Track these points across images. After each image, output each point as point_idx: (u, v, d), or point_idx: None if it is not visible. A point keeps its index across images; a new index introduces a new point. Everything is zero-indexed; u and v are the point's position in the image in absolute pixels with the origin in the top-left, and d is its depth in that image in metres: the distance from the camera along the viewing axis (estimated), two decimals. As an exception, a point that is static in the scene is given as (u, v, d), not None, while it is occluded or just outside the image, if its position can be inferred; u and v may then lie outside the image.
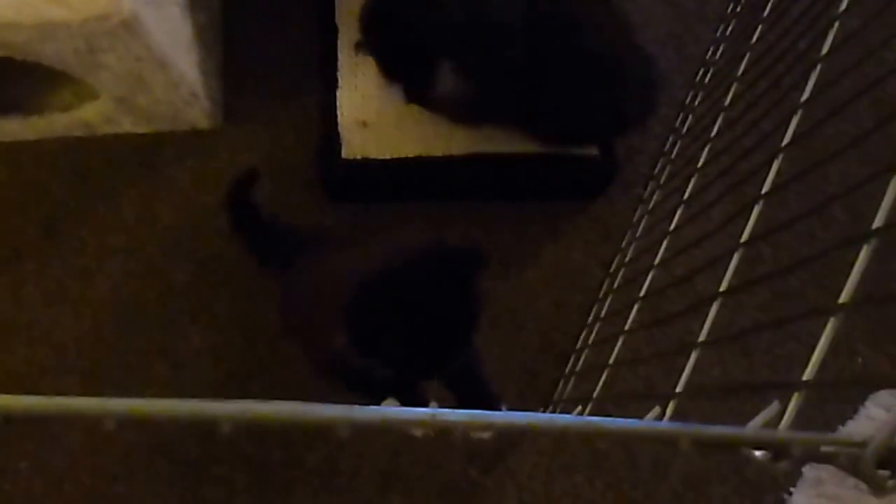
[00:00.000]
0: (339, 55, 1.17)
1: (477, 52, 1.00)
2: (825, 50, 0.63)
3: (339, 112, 1.16)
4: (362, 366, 0.76)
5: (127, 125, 1.21)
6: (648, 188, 1.21)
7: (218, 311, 1.16)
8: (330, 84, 1.17)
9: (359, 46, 1.06)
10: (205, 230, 1.20)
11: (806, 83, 0.63)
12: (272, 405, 0.33)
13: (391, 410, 0.34)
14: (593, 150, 1.16)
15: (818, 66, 0.63)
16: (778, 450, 0.33)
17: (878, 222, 0.41)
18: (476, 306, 0.76)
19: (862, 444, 0.31)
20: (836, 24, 0.64)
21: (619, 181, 1.23)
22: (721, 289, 0.59)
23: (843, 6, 0.63)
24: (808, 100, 0.64)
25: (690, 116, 1.16)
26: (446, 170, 1.13)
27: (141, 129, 1.23)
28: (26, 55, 0.97)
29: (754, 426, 0.36)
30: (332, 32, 1.18)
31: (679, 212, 0.90)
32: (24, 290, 1.17)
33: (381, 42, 1.05)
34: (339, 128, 1.15)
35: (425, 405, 0.48)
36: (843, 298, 0.42)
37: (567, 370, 1.09)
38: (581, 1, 1.05)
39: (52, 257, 1.19)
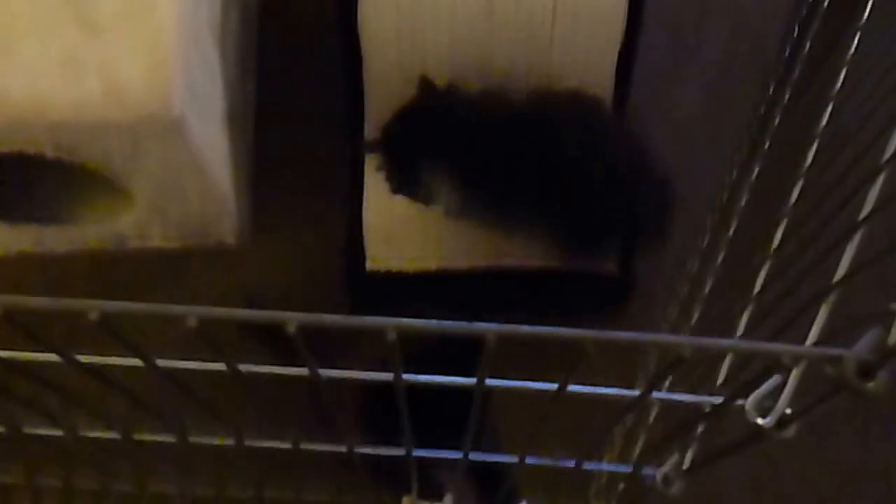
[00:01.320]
0: (366, 171, 1.22)
1: (475, 158, 1.05)
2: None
3: (364, 226, 1.19)
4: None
5: (157, 239, 1.24)
6: (669, 309, 1.23)
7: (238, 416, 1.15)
8: (356, 199, 1.21)
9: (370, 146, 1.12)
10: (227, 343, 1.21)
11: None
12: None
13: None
14: (612, 268, 1.19)
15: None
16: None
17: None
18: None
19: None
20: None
21: (641, 301, 1.25)
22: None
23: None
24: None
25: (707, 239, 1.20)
26: (469, 282, 1.16)
27: (170, 244, 1.26)
28: (74, 156, 1.01)
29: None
30: (360, 149, 1.23)
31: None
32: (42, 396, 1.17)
33: (389, 157, 1.10)
34: (365, 241, 1.18)
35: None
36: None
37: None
38: (592, 114, 1.11)
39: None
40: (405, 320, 0.37)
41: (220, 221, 1.23)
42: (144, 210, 1.18)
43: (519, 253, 1.16)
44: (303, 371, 0.51)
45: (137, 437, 0.79)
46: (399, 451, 0.70)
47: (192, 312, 0.39)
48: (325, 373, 0.51)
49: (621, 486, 0.91)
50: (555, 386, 0.49)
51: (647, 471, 0.67)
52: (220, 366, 0.49)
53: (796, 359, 0.36)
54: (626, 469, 0.68)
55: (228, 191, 1.18)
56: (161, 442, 0.79)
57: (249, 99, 1.33)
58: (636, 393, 0.48)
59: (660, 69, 1.39)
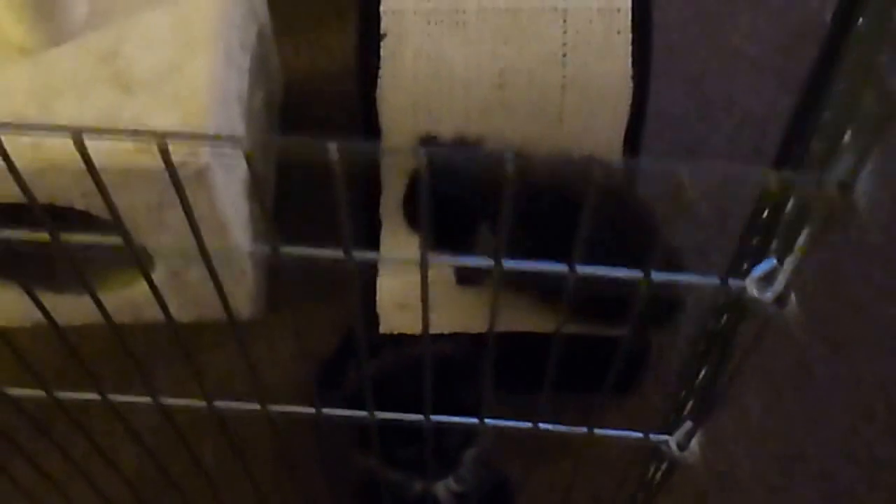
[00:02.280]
0: (382, 242, 1.25)
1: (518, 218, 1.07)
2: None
3: (378, 296, 1.21)
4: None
5: (172, 309, 1.25)
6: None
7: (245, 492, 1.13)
8: (370, 270, 1.23)
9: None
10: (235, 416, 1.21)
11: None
12: None
13: None
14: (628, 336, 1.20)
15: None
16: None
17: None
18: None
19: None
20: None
21: (654, 381, 1.25)
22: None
23: None
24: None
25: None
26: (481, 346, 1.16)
27: (185, 317, 1.27)
28: (101, 208, 1.05)
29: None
30: (375, 226, 1.26)
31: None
32: (48, 464, 1.15)
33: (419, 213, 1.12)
34: (378, 308, 1.20)
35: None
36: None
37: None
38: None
39: (76, 435, 1.18)
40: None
41: (237, 290, 1.25)
42: (163, 274, 1.20)
43: (535, 319, 1.17)
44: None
45: None
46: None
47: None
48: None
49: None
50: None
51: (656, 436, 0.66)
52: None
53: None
54: (637, 435, 0.67)
55: (246, 258, 1.21)
56: None
57: (270, 176, 1.38)
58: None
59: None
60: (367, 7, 1.15)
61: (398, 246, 1.22)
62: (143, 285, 1.20)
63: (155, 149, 1.02)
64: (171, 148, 1.01)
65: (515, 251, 1.13)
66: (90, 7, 1.11)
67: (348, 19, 1.40)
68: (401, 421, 0.66)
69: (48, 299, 1.21)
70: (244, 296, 1.26)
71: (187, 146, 1.01)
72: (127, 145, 1.00)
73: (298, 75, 1.51)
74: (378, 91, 1.20)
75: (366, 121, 1.21)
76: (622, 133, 1.21)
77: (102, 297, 1.23)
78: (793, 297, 0.46)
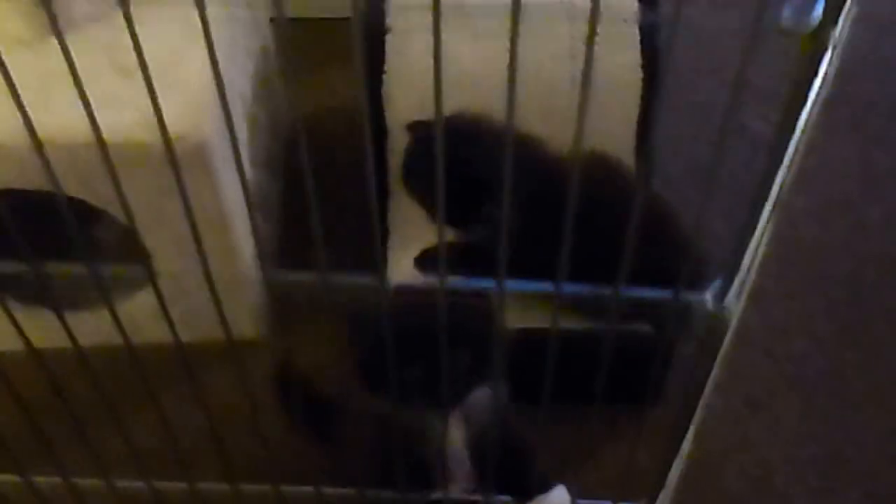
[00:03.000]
0: (390, 214, 1.21)
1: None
2: None
3: (389, 269, 1.16)
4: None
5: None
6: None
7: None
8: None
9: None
10: (237, 434, 1.14)
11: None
12: None
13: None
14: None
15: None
16: None
17: None
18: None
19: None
20: None
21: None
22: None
23: None
24: None
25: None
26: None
27: (184, 335, 1.21)
28: (97, 195, 1.01)
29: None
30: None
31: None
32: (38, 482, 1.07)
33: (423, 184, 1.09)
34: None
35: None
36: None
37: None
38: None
39: (72, 460, 1.11)
40: None
41: (241, 309, 1.20)
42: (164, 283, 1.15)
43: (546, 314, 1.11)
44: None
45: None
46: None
47: None
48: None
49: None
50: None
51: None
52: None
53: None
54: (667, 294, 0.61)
55: (250, 264, 1.17)
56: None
57: (274, 199, 1.34)
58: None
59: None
60: (372, 2, 1.15)
61: (406, 220, 1.18)
62: (142, 299, 1.18)
63: (154, 126, 0.98)
64: (170, 124, 0.98)
65: (516, 229, 1.07)
66: (92, 5, 1.10)
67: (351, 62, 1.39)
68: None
69: (43, 319, 1.14)
70: (245, 312, 1.21)
71: (188, 123, 0.98)
72: (126, 123, 0.97)
73: (305, 115, 1.49)
74: (384, 88, 1.18)
75: (372, 118, 1.19)
76: (633, 128, 1.19)
77: (98, 314, 1.19)
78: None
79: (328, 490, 0.86)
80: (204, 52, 1.00)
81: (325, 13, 1.44)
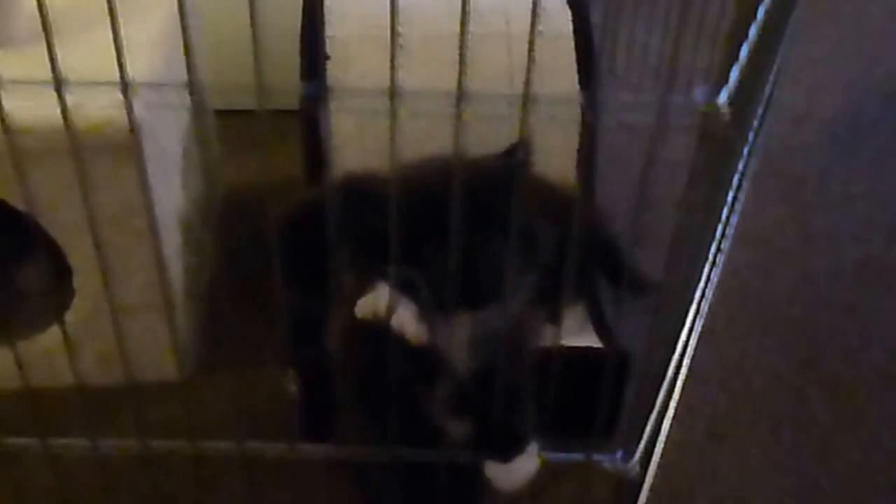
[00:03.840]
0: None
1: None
2: None
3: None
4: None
5: (88, 361, 1.10)
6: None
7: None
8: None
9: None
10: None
11: None
12: None
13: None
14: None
15: None
16: None
17: None
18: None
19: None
20: None
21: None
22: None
23: None
24: None
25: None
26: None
27: (101, 377, 1.11)
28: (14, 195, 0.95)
29: None
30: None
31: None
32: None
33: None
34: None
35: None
36: None
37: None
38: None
39: None
40: None
41: (164, 349, 1.12)
42: (82, 307, 1.07)
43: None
44: None
45: None
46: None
47: None
48: None
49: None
50: None
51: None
52: None
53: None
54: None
55: (178, 279, 1.10)
56: None
57: (206, 246, 1.28)
58: None
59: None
60: (311, 32, 1.16)
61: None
62: (56, 332, 1.08)
63: (84, 111, 0.95)
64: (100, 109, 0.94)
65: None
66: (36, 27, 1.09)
67: (291, 143, 1.39)
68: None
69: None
70: (169, 351, 1.12)
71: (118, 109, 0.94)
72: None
73: (239, 188, 1.47)
74: (321, 116, 1.17)
75: (310, 151, 1.17)
76: (574, 155, 1.19)
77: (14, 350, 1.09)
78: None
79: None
80: (144, 64, 0.98)
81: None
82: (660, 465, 1.08)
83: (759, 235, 1.41)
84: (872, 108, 1.71)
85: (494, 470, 0.77)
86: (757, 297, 1.31)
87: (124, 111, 0.91)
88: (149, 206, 1.02)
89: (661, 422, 0.79)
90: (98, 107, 0.96)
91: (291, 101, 1.27)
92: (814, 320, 1.28)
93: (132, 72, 0.68)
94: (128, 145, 0.98)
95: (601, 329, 1.12)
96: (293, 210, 0.81)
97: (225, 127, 1.40)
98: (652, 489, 1.05)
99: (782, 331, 1.26)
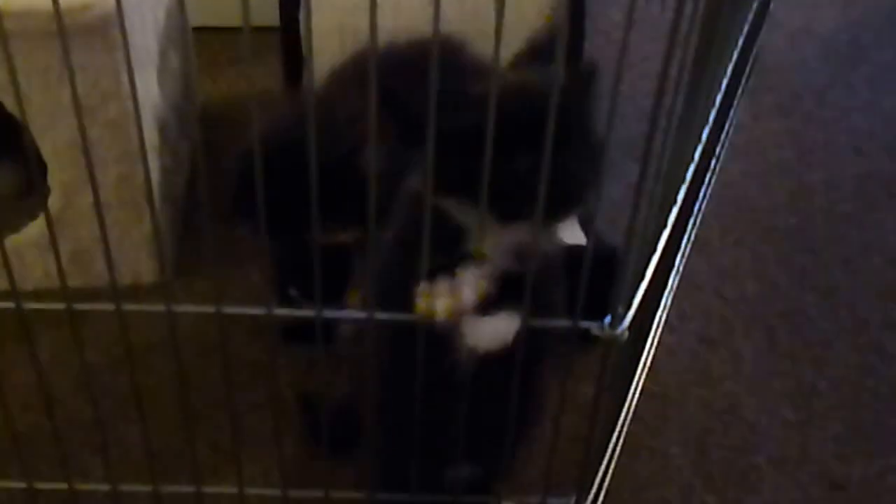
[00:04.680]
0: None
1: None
2: None
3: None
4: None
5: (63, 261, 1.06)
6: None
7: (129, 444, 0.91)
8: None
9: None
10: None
11: None
12: None
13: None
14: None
15: None
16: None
17: None
18: None
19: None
20: None
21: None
22: None
23: None
24: None
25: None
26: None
27: (76, 278, 1.07)
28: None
29: None
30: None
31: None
32: None
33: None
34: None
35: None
36: None
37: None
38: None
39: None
40: None
41: (139, 250, 1.08)
42: (57, 197, 1.03)
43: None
44: None
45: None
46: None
47: None
48: None
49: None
50: None
51: None
52: None
53: None
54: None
55: (156, 173, 1.06)
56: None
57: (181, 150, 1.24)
58: None
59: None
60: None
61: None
62: (30, 231, 1.04)
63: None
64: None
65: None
66: None
67: (269, 58, 1.33)
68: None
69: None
70: (146, 255, 1.09)
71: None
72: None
73: (217, 101, 1.42)
74: (301, 13, 1.12)
75: (288, 47, 1.12)
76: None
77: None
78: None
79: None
80: None
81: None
82: (651, 369, 1.05)
83: (755, 148, 1.37)
84: (872, 25, 1.67)
85: (472, 329, 0.72)
86: (752, 208, 1.27)
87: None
88: (133, 92, 0.98)
89: (648, 293, 0.76)
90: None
91: (271, 18, 1.24)
92: (811, 230, 1.24)
93: None
94: (102, 31, 0.94)
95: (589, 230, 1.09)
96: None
97: (203, 43, 1.35)
98: (643, 391, 1.03)
99: (778, 240, 1.22)
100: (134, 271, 1.10)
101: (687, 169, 1.02)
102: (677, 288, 1.15)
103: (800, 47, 1.59)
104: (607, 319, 0.74)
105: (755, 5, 1.23)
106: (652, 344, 1.08)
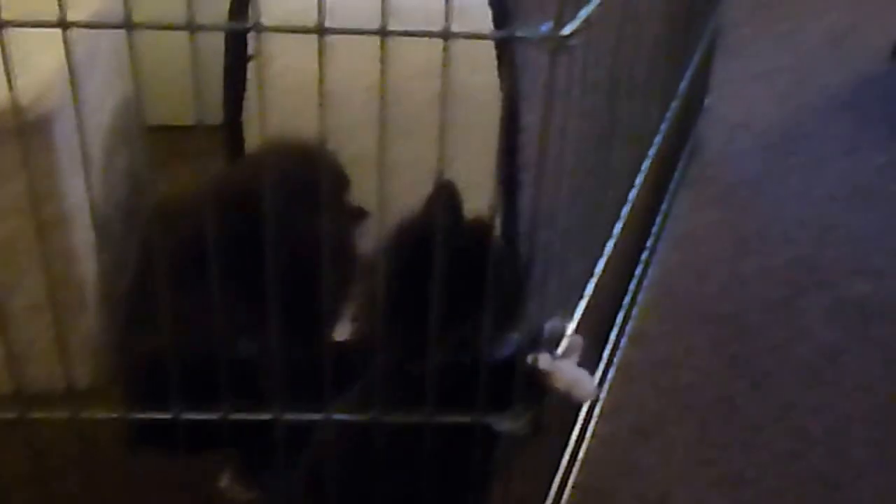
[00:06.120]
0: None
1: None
2: None
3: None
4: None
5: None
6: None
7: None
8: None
9: None
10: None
11: None
12: None
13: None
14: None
15: None
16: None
17: None
18: None
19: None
20: None
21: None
22: None
23: None
24: None
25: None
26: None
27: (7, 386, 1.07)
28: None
29: None
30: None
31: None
32: None
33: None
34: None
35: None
36: None
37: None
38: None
39: None
40: None
41: (76, 353, 1.09)
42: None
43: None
44: None
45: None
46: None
47: None
48: None
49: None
50: None
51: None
52: None
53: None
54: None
55: (90, 290, 1.07)
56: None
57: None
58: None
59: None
60: (234, 33, 1.15)
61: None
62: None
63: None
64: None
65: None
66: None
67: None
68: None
69: None
70: (84, 359, 1.09)
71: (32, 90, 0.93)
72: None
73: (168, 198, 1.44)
74: (244, 114, 1.16)
75: (232, 146, 1.16)
76: (493, 153, 1.18)
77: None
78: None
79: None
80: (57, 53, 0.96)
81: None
82: (584, 462, 1.07)
83: (693, 238, 1.41)
84: (805, 119, 1.73)
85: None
86: (688, 299, 1.31)
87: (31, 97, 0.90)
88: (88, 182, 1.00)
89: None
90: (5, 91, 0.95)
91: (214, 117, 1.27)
92: (743, 317, 1.27)
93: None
94: (42, 132, 0.96)
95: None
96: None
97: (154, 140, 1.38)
98: (575, 486, 1.04)
99: (713, 329, 1.25)
100: (70, 375, 1.10)
101: (595, 264, 1.05)
102: (612, 379, 1.19)
103: (738, 140, 1.65)
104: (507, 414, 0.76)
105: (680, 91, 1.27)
106: (582, 436, 1.10)
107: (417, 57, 1.18)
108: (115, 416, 0.75)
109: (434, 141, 1.14)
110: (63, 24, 0.62)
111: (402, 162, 1.13)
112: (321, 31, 0.68)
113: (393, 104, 1.15)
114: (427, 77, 1.16)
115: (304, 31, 0.68)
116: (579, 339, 0.83)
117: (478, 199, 1.20)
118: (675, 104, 1.40)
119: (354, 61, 1.15)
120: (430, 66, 1.17)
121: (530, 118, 1.26)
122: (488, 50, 1.19)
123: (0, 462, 0.97)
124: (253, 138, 1.16)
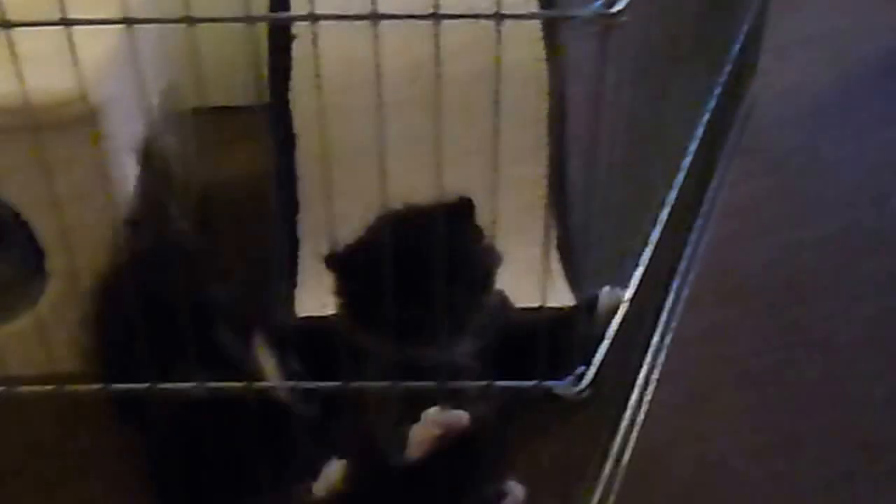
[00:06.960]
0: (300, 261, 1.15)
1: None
2: None
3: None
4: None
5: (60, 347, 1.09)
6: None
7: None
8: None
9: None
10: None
11: None
12: None
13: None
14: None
15: None
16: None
17: None
18: None
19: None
20: None
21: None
22: None
23: None
24: None
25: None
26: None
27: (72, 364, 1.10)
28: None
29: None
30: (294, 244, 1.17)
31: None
32: None
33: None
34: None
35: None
36: None
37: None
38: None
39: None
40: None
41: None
42: (55, 294, 1.07)
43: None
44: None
45: None
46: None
47: None
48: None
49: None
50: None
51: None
52: None
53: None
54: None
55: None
56: None
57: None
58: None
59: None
60: (278, 10, 1.17)
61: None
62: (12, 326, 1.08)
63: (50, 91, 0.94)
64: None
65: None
66: None
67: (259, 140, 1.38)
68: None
69: None
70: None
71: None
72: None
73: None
74: (290, 94, 1.17)
75: (279, 126, 1.17)
76: (545, 123, 1.18)
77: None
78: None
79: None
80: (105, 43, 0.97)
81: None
82: (642, 427, 1.06)
83: (747, 204, 1.39)
84: (863, 82, 1.69)
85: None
86: (743, 264, 1.29)
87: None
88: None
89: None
90: (58, 84, 0.97)
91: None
92: (800, 284, 1.25)
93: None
94: (90, 123, 0.99)
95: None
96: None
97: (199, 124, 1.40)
98: (633, 450, 1.04)
99: (769, 295, 1.24)
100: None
101: (650, 232, 1.04)
102: (668, 346, 1.18)
103: (792, 105, 1.62)
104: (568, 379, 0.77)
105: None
106: (640, 401, 1.10)
107: (454, 37, 1.19)
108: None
109: (472, 119, 1.15)
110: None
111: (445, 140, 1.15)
112: (375, 16, 0.68)
113: (429, 84, 1.16)
114: (460, 57, 1.17)
115: (358, 18, 0.68)
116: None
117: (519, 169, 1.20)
118: (727, 69, 1.38)
119: (393, 41, 1.15)
120: (466, 45, 1.19)
121: (574, 90, 1.27)
122: (521, 28, 1.18)
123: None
124: (298, 118, 1.18)
